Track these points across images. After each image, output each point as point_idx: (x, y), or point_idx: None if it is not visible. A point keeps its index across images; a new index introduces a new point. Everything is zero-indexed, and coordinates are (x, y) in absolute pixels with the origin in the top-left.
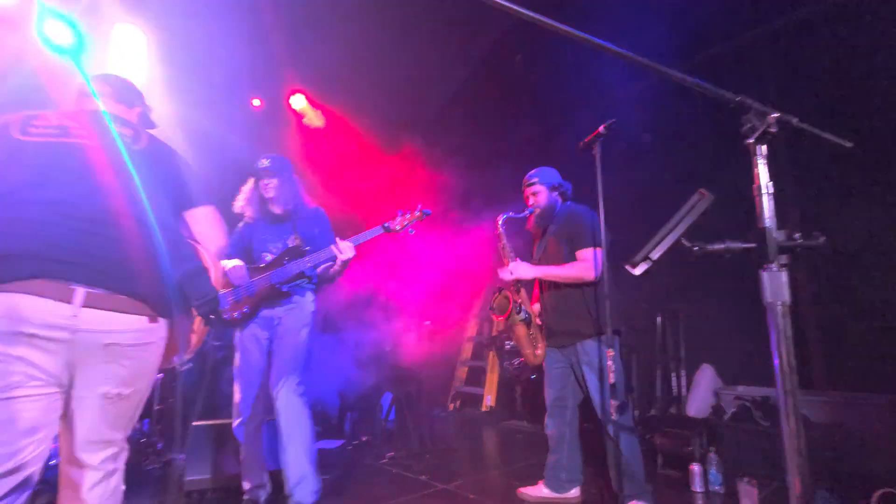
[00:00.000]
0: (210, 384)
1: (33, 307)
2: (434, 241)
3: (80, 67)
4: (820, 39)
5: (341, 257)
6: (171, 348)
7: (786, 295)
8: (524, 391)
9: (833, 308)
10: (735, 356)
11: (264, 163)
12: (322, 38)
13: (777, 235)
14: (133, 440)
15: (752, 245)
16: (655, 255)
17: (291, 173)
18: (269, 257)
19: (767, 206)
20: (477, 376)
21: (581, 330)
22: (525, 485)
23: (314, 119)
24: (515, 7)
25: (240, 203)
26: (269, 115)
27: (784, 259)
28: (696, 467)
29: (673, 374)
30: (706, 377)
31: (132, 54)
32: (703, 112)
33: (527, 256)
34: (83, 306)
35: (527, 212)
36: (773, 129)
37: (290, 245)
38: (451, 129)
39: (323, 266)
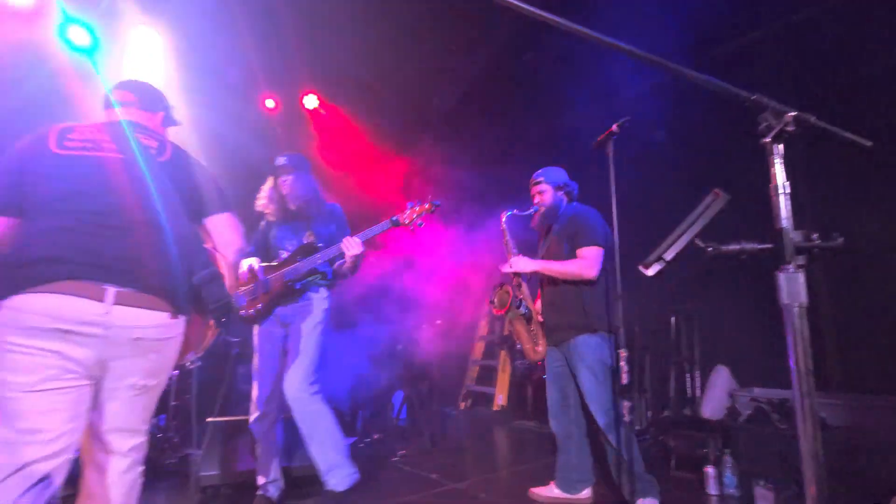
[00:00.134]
0: (226, 382)
1: (70, 306)
2: (446, 239)
3: (98, 71)
4: (836, 35)
5: (349, 253)
6: (186, 346)
7: (803, 297)
8: (535, 391)
9: (851, 309)
10: (751, 357)
11: (281, 160)
12: (334, 38)
13: (794, 236)
14: (150, 435)
15: (769, 246)
16: (669, 255)
17: (307, 171)
18: (284, 255)
19: (784, 206)
20: (488, 375)
21: (574, 325)
22: (536, 485)
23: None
24: (526, 6)
25: (261, 201)
26: (284, 115)
27: (801, 260)
28: (710, 470)
29: (687, 375)
30: (721, 378)
31: (149, 56)
32: (718, 110)
33: (535, 254)
34: (114, 304)
35: (531, 210)
36: (790, 128)
37: (305, 242)
38: (464, 126)
39: (335, 263)
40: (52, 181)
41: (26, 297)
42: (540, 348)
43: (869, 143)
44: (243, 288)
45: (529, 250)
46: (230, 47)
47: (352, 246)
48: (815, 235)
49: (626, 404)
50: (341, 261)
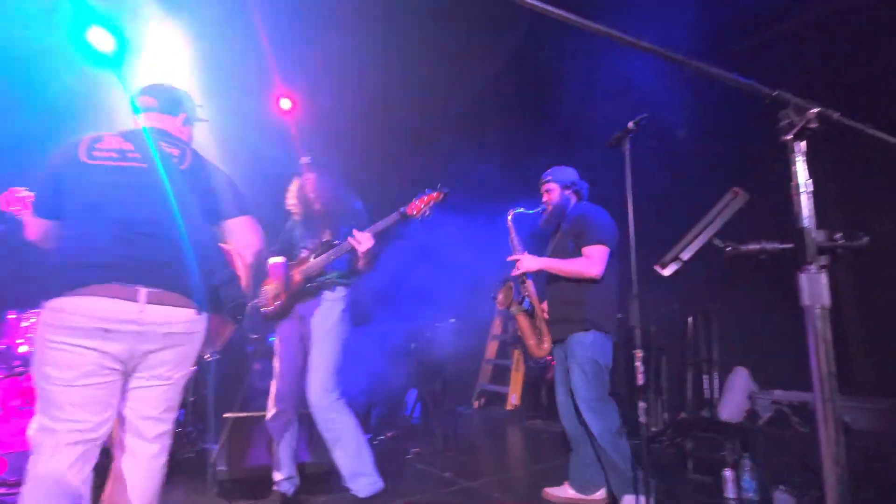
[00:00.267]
0: (242, 378)
1: (109, 307)
2: (461, 237)
3: (121, 77)
4: (860, 29)
5: (360, 248)
6: (205, 341)
7: (825, 298)
8: (549, 391)
9: (878, 310)
10: (771, 359)
11: (305, 160)
12: (349, 38)
13: (816, 236)
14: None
15: (790, 246)
16: (686, 255)
17: (330, 169)
18: (304, 253)
19: (806, 205)
20: (502, 374)
21: (569, 322)
22: (550, 485)
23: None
24: (543, 5)
25: (290, 201)
26: (300, 115)
27: (824, 260)
28: (728, 473)
29: (704, 377)
30: (740, 380)
31: (171, 57)
32: (738, 106)
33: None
34: (147, 303)
35: (539, 209)
36: (812, 125)
37: (322, 240)
38: (480, 124)
39: (349, 259)
40: (84, 190)
41: (69, 300)
42: (545, 345)
43: (895, 140)
44: (267, 286)
45: (542, 247)
46: (248, 47)
47: (362, 241)
48: (838, 235)
49: (641, 405)
50: (353, 256)
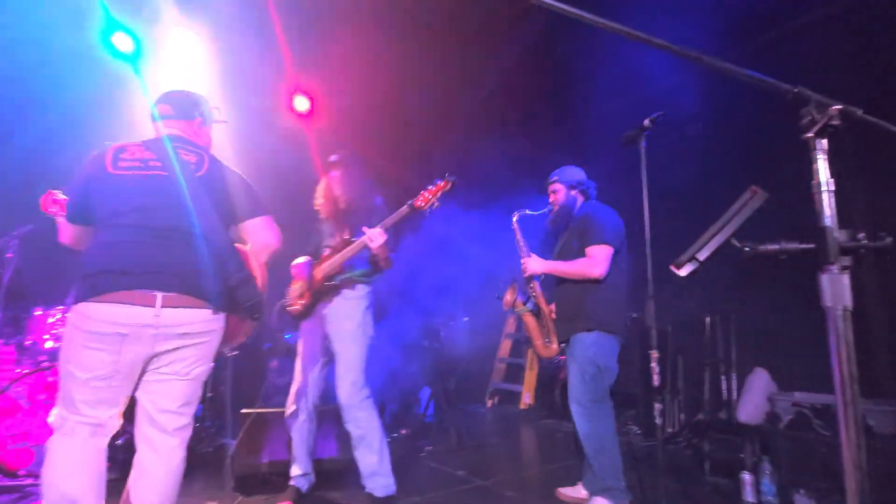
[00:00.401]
0: (259, 374)
1: (126, 313)
2: (474, 237)
3: (139, 76)
4: (887, 21)
5: (372, 245)
6: (224, 339)
7: (847, 299)
8: (563, 390)
9: None
10: (792, 360)
11: (332, 158)
12: (365, 34)
13: (838, 235)
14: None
15: (811, 246)
16: (702, 255)
17: (356, 168)
18: (327, 252)
19: (827, 204)
20: (515, 373)
21: (572, 322)
22: (564, 485)
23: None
24: (558, 4)
25: (317, 200)
26: (316, 116)
27: (846, 261)
28: (747, 476)
29: (722, 377)
30: (760, 381)
31: (189, 59)
32: (758, 102)
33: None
34: (162, 307)
35: (545, 209)
36: (834, 122)
37: (343, 238)
38: (495, 120)
39: (365, 256)
40: (111, 199)
41: (92, 305)
42: (553, 346)
43: None
44: (293, 285)
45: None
46: (264, 48)
47: (374, 237)
48: (861, 235)
49: (656, 406)
50: (368, 253)
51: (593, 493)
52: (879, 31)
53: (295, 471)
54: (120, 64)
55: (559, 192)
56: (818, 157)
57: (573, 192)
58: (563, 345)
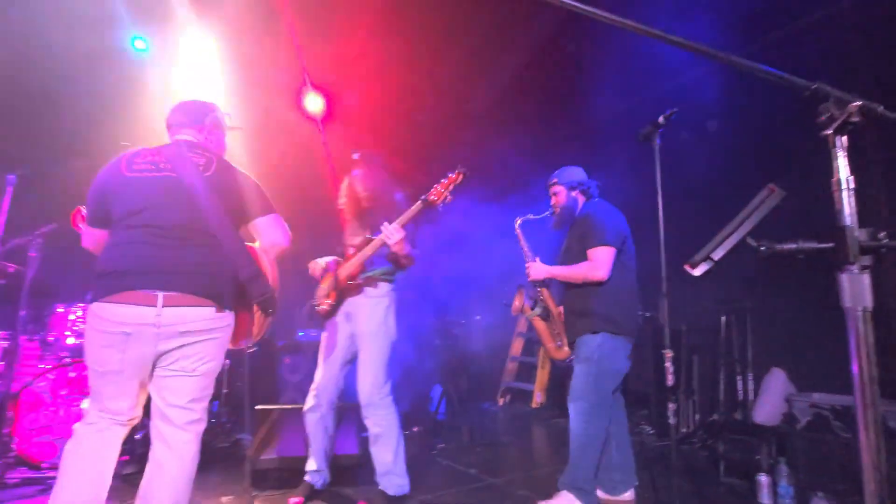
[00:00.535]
0: (273, 371)
1: (130, 313)
2: (487, 235)
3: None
4: None
5: (389, 241)
6: (238, 335)
7: (867, 300)
8: None
9: None
10: (810, 360)
11: (353, 157)
12: (378, 31)
13: (858, 235)
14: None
15: (830, 245)
16: (717, 255)
17: (376, 166)
18: (351, 251)
19: (847, 202)
20: (527, 372)
21: (577, 325)
22: None
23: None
24: (572, 3)
25: (341, 199)
26: (328, 115)
27: (866, 260)
28: (764, 478)
29: (738, 378)
30: (777, 382)
31: (202, 60)
32: (775, 98)
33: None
34: (164, 306)
35: (547, 213)
36: (854, 119)
37: (365, 237)
38: (508, 117)
39: (386, 254)
40: (123, 200)
41: (102, 305)
42: (566, 349)
43: None
44: (322, 285)
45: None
46: (276, 48)
47: (390, 233)
48: (882, 234)
49: (670, 406)
50: (387, 251)
51: (564, 486)
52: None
53: (310, 466)
54: (137, 66)
55: (560, 194)
56: (838, 154)
57: (574, 193)
58: (570, 347)
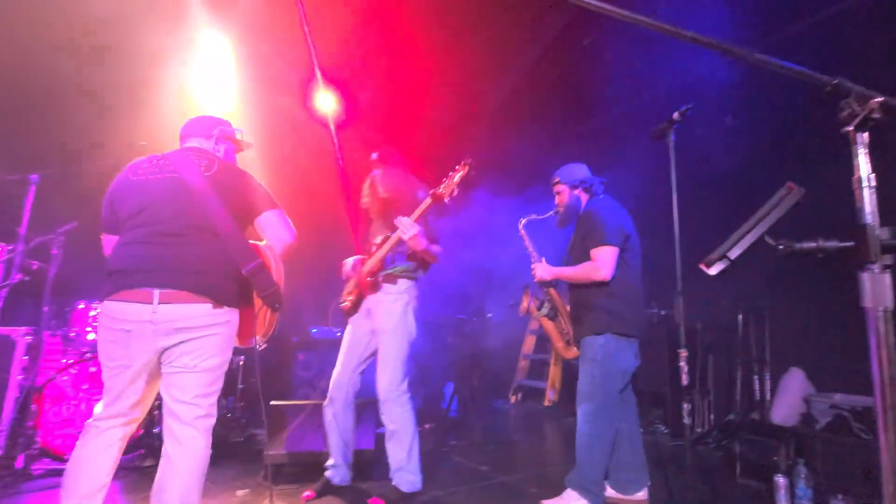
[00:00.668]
0: (287, 367)
1: (129, 310)
2: (499, 232)
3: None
4: None
5: (404, 236)
6: (246, 332)
7: (888, 300)
8: None
9: None
10: (830, 360)
11: (372, 156)
12: (391, 27)
13: (879, 233)
14: (220, 415)
15: (850, 244)
16: (734, 254)
17: (396, 164)
18: (374, 249)
19: (868, 200)
20: (539, 370)
21: (584, 325)
22: None
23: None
24: (593, 2)
25: (364, 199)
26: (340, 112)
27: (888, 259)
28: (781, 480)
29: (755, 377)
30: (795, 382)
31: (217, 60)
32: (794, 93)
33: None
34: (160, 303)
35: (551, 212)
36: (875, 115)
37: (386, 235)
38: (521, 113)
39: (405, 251)
40: (128, 203)
41: (107, 303)
42: (574, 348)
43: None
44: (348, 282)
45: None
46: (289, 46)
47: (405, 227)
48: None
49: (685, 406)
50: (404, 246)
51: (570, 485)
52: None
53: (329, 461)
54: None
55: (563, 193)
56: (858, 151)
57: (576, 192)
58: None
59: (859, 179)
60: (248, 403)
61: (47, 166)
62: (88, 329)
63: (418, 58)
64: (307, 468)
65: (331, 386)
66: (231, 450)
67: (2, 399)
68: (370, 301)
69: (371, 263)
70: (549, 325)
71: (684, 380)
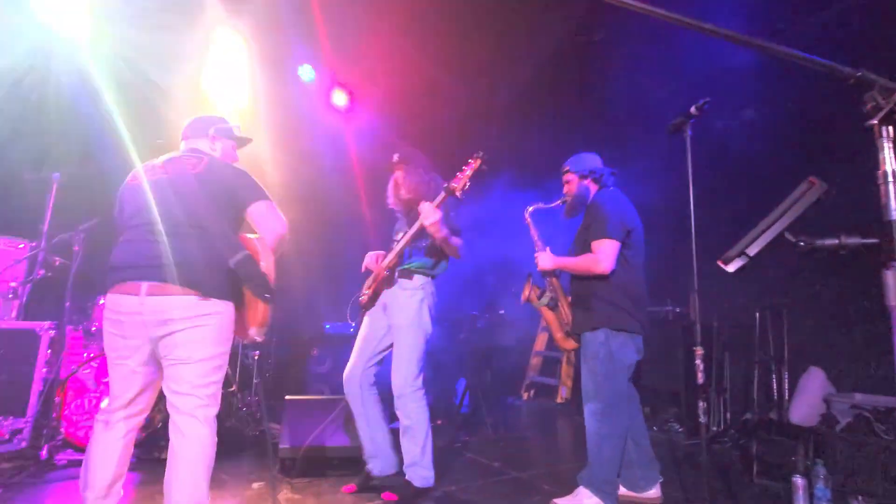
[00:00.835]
0: (301, 362)
1: (121, 302)
2: (511, 227)
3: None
4: None
5: (426, 222)
6: (241, 324)
7: None
8: None
9: None
10: (850, 360)
11: (394, 157)
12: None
13: None
14: (235, 409)
15: (873, 241)
16: (753, 250)
17: (417, 164)
18: (394, 244)
19: (893, 195)
20: (552, 367)
21: (584, 319)
22: None
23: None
24: None
25: (389, 200)
26: (354, 110)
27: None
28: (799, 480)
29: (773, 376)
30: (815, 382)
31: (232, 57)
32: (817, 86)
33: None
34: (146, 295)
35: (559, 201)
36: None
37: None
38: (534, 108)
39: (424, 247)
40: (129, 206)
41: (107, 296)
42: (573, 339)
43: None
44: (368, 278)
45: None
46: (303, 44)
47: (427, 213)
48: None
49: (700, 404)
50: (425, 235)
51: (583, 484)
52: None
53: (365, 453)
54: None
55: (571, 182)
56: (883, 144)
57: (585, 182)
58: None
59: (884, 174)
60: (262, 397)
61: (68, 165)
62: None
63: (432, 53)
64: (320, 462)
65: (343, 379)
66: (245, 443)
67: (27, 391)
68: (386, 296)
69: (389, 257)
70: (549, 315)
71: (700, 378)
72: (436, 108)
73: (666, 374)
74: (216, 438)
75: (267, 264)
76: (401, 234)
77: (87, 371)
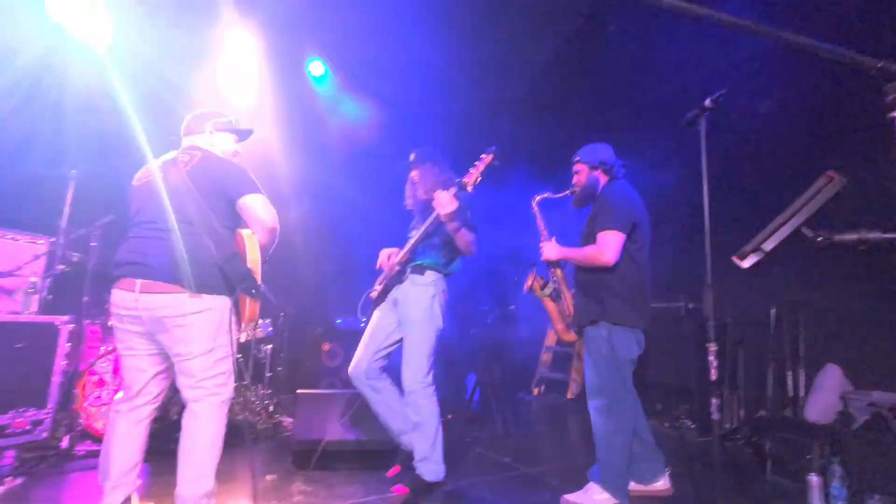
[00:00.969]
0: (313, 357)
1: (121, 297)
2: (522, 222)
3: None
4: None
5: (442, 211)
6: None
7: None
8: None
9: None
10: (867, 357)
11: (411, 157)
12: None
13: None
14: (247, 402)
15: (894, 236)
16: (769, 245)
17: (433, 162)
18: (408, 240)
19: None
20: (562, 362)
21: (585, 312)
22: None
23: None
24: None
25: (406, 201)
26: (362, 108)
27: None
28: (814, 479)
29: (788, 373)
30: (832, 379)
31: (242, 57)
32: (836, 77)
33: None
34: (140, 292)
35: (567, 191)
36: None
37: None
38: (545, 102)
39: (436, 244)
40: (131, 207)
41: (111, 292)
42: (573, 331)
43: None
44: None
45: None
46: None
47: (443, 201)
48: None
49: (713, 401)
50: (440, 226)
51: (594, 479)
52: None
53: (396, 434)
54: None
55: (581, 173)
56: None
57: (595, 172)
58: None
59: None
60: (275, 391)
61: (85, 162)
62: None
63: (444, 47)
64: (333, 455)
65: (349, 374)
66: (259, 436)
67: (47, 383)
68: (397, 291)
69: (402, 252)
70: (551, 306)
71: (713, 374)
72: (445, 103)
73: (678, 370)
74: (225, 421)
75: (252, 259)
76: (414, 232)
77: (105, 364)
